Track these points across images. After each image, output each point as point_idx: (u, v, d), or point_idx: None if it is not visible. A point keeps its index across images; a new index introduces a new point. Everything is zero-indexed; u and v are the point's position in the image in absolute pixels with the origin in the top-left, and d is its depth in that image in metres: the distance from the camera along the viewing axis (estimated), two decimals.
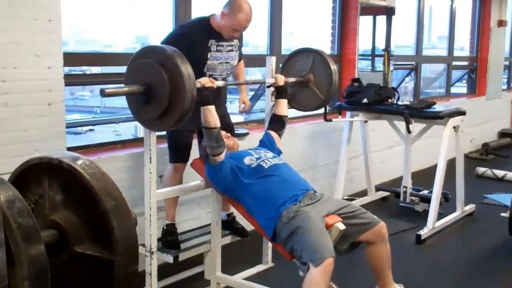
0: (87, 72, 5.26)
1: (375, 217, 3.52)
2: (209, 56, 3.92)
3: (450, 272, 4.57)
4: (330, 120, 5.58)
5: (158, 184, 3.74)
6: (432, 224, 5.26)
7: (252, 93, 6.14)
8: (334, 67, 4.24)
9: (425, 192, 5.95)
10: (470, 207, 5.96)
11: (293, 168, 3.73)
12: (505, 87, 10.98)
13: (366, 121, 6.01)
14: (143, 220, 3.57)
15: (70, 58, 4.01)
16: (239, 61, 4.20)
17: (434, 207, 5.32)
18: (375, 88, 5.73)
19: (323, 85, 4.26)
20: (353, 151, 6.25)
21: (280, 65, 4.58)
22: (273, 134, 3.99)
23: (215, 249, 4.07)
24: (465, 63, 9.92)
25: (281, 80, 4.07)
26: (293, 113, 4.99)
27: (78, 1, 4.87)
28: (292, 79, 4.22)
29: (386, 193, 6.46)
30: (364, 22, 6.78)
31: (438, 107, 5.70)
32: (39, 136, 3.69)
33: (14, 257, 2.15)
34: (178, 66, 3.09)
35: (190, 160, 4.08)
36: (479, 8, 9.62)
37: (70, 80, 4.29)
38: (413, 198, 5.99)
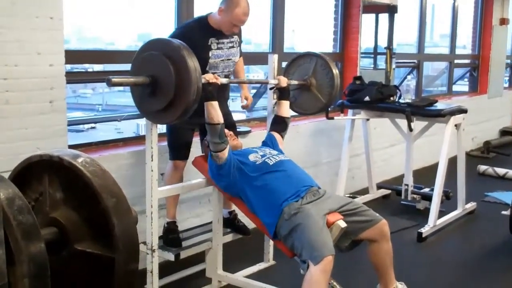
0: (89, 70, 5.26)
1: (377, 214, 3.52)
2: (210, 54, 3.92)
3: (451, 270, 4.57)
4: (332, 118, 5.58)
5: (160, 182, 3.74)
6: (433, 222, 5.26)
7: (254, 90, 6.14)
8: (336, 71, 4.24)
9: (426, 190, 5.94)
10: (471, 205, 5.96)
11: (298, 165, 3.73)
12: (507, 85, 10.98)
13: (368, 119, 6.00)
14: (145, 218, 3.57)
15: (72, 56, 4.01)
16: (239, 57, 4.20)
17: (435, 205, 5.32)
18: (377, 86, 5.72)
19: (325, 89, 4.26)
20: (355, 149, 6.25)
21: (284, 64, 4.58)
22: (276, 135, 3.99)
23: (216, 247, 4.08)
24: (467, 61, 9.91)
25: (284, 81, 4.08)
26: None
27: None
28: (294, 82, 4.24)
29: (387, 191, 6.46)
30: (367, 20, 6.77)
31: (440, 105, 5.69)
32: (41, 134, 3.69)
33: (14, 254, 2.16)
34: (185, 58, 3.08)
35: (192, 158, 4.08)
36: (481, 6, 9.61)
37: (72, 78, 4.29)
38: (415, 196, 5.99)
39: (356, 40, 6.65)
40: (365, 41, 6.83)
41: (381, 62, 7.13)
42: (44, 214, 2.64)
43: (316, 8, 7.32)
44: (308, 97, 4.33)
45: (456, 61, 9.39)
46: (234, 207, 4.22)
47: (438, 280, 4.33)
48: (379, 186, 6.46)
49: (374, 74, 6.80)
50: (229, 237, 4.25)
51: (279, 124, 4.06)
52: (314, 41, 7.65)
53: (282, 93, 4.10)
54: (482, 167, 7.65)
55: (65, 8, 3.76)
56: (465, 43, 10.16)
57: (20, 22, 3.52)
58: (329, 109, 5.44)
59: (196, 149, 4.24)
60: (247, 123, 5.56)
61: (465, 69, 9.96)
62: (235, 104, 5.18)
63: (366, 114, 5.83)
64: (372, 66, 7.31)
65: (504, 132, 10.15)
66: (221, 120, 3.51)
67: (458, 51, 9.52)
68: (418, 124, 5.78)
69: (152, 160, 3.46)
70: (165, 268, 4.04)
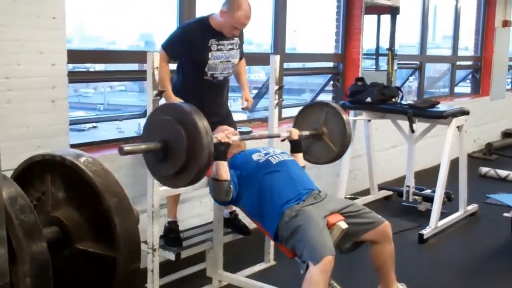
0: (91, 70, 5.27)
1: (379, 216, 3.52)
2: (210, 55, 3.92)
3: (453, 271, 4.57)
4: None
5: None
6: (435, 224, 5.26)
7: (255, 91, 6.14)
8: (346, 117, 4.12)
9: (428, 191, 5.94)
10: (473, 207, 5.96)
11: (300, 166, 3.73)
12: (509, 87, 10.96)
13: (369, 120, 6.00)
14: (146, 218, 3.57)
15: (74, 55, 4.01)
16: (240, 59, 4.20)
17: (437, 207, 5.32)
18: (379, 87, 5.72)
19: (337, 137, 4.16)
20: (357, 150, 6.25)
21: (285, 64, 4.55)
22: None
23: (217, 246, 4.08)
24: (469, 63, 9.91)
25: (295, 134, 3.99)
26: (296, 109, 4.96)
27: None
28: (306, 133, 4.12)
29: (389, 192, 6.46)
30: (369, 21, 6.77)
31: (442, 106, 5.70)
32: (43, 133, 3.69)
33: (16, 253, 2.16)
34: (196, 123, 3.02)
35: None
36: (484, 8, 9.60)
37: (74, 77, 4.29)
38: (416, 197, 5.99)
39: (358, 41, 6.64)
40: (367, 42, 6.83)
41: (383, 63, 7.12)
42: (46, 214, 2.63)
43: (318, 8, 7.32)
44: (320, 146, 4.20)
45: (458, 62, 9.38)
46: (234, 207, 4.22)
47: (439, 282, 4.33)
48: (381, 187, 6.46)
49: (376, 76, 6.79)
50: (230, 237, 4.26)
51: None
52: (315, 42, 7.65)
53: (294, 146, 4.00)
54: (484, 169, 7.64)
55: (67, 7, 3.76)
56: (467, 45, 10.16)
57: (22, 21, 3.53)
58: None
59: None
60: (248, 123, 5.56)
61: (467, 70, 9.94)
62: (236, 105, 5.17)
63: (368, 115, 5.83)
64: (374, 67, 7.30)
65: (506, 134, 10.14)
66: (229, 178, 3.48)
67: (460, 53, 9.51)
68: (420, 126, 5.78)
69: None
70: (166, 268, 4.05)
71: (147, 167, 3.31)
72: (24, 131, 3.61)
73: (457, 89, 9.57)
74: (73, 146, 3.96)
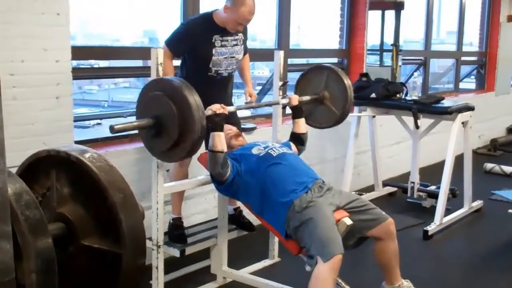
0: (95, 66, 5.26)
1: (383, 213, 3.50)
2: (214, 51, 3.91)
3: (457, 268, 4.57)
4: None
5: (166, 178, 3.74)
6: (440, 220, 5.25)
7: (259, 87, 6.13)
8: (348, 82, 4.19)
9: (432, 187, 5.93)
10: (477, 203, 5.94)
11: (301, 158, 3.72)
12: None
13: (374, 116, 5.99)
14: (150, 214, 3.57)
15: (78, 52, 4.01)
16: (244, 54, 4.19)
17: (441, 203, 5.30)
18: (383, 83, 5.71)
19: (339, 101, 4.20)
20: (361, 146, 6.24)
21: (289, 60, 4.55)
22: (293, 146, 3.97)
23: (221, 243, 4.08)
24: (474, 58, 9.87)
25: (295, 100, 4.01)
26: None
27: None
28: (307, 98, 4.15)
29: (393, 189, 6.45)
30: (373, 17, 6.76)
31: (447, 102, 5.68)
32: (47, 129, 3.69)
33: (22, 250, 2.17)
34: (186, 98, 3.04)
35: (197, 154, 4.07)
36: (489, 3, 9.56)
37: (78, 74, 4.30)
38: (421, 193, 5.98)
39: (362, 37, 6.63)
40: (372, 38, 6.82)
41: (388, 59, 7.11)
42: (52, 210, 2.64)
43: (322, 4, 7.31)
44: (322, 110, 4.26)
45: (463, 58, 9.35)
46: (239, 204, 4.22)
47: (444, 278, 4.32)
48: (385, 184, 6.45)
49: (380, 71, 6.78)
50: (234, 234, 4.26)
51: (296, 140, 4.02)
52: (320, 37, 7.64)
53: (295, 112, 4.03)
54: (489, 165, 7.62)
55: (71, 4, 3.76)
56: (472, 40, 10.12)
57: (26, 18, 3.53)
58: None
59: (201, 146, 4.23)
60: (252, 119, 5.55)
61: (472, 66, 9.92)
62: (240, 101, 5.17)
63: (372, 111, 5.82)
64: (378, 63, 7.29)
65: (511, 130, 10.10)
66: (225, 149, 3.45)
67: (465, 48, 9.48)
68: (424, 122, 5.76)
69: None
70: (170, 264, 4.05)
71: (143, 143, 3.34)
72: (29, 128, 3.61)
73: (461, 85, 9.54)
74: (77, 142, 3.96)
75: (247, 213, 4.05)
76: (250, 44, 4.43)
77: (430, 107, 5.49)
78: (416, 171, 6.00)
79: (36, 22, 3.58)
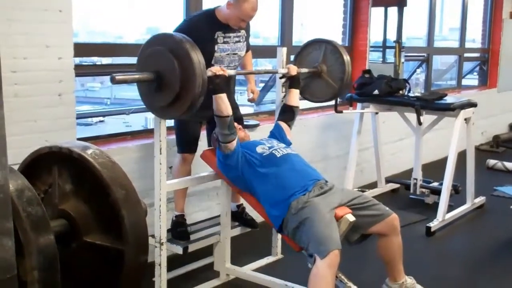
0: (98, 63, 5.26)
1: (387, 208, 3.50)
2: (216, 48, 3.90)
3: (460, 264, 4.56)
4: (341, 112, 5.56)
5: (168, 175, 3.74)
6: (442, 216, 5.25)
7: (262, 84, 6.13)
8: (346, 56, 4.22)
9: (435, 184, 5.93)
10: (480, 200, 5.94)
11: (304, 159, 3.72)
12: None
13: (376, 113, 5.98)
14: (153, 211, 3.57)
15: (81, 49, 4.01)
16: (246, 51, 4.18)
17: (444, 199, 5.30)
18: (386, 80, 5.70)
19: (337, 75, 4.23)
20: (364, 143, 6.24)
21: (292, 57, 4.56)
22: (283, 125, 3.97)
23: (224, 240, 4.08)
24: (476, 54, 9.86)
25: (294, 70, 4.04)
26: (304, 104, 4.97)
27: None
28: (305, 70, 4.20)
29: (396, 185, 6.44)
30: (376, 14, 6.75)
31: (449, 99, 5.67)
32: (50, 126, 3.69)
33: (24, 246, 2.16)
34: (188, 52, 3.08)
35: (200, 151, 4.08)
36: (491, 0, 9.55)
37: (81, 71, 4.29)
38: (423, 190, 5.97)
39: (365, 34, 6.62)
40: (374, 35, 6.82)
41: (390, 55, 7.10)
42: (54, 206, 2.64)
43: (325, 1, 7.30)
44: (320, 84, 4.30)
45: (465, 54, 9.33)
46: (242, 201, 4.22)
47: (447, 274, 4.32)
48: (388, 180, 6.44)
49: (383, 68, 6.77)
50: (237, 231, 4.25)
51: (287, 113, 4.02)
52: (322, 34, 7.62)
53: (292, 81, 4.05)
54: (491, 161, 7.61)
55: (74, 1, 3.76)
56: (474, 37, 10.11)
57: (29, 15, 3.52)
58: (338, 102, 5.43)
59: (204, 143, 4.24)
60: (255, 116, 5.55)
61: (475, 62, 9.90)
62: (243, 98, 5.17)
63: (375, 107, 5.81)
64: (381, 59, 7.29)
65: None
66: (230, 112, 3.49)
67: (467, 45, 9.47)
68: (427, 118, 5.76)
69: (160, 154, 3.46)
70: (173, 261, 4.05)
71: (141, 99, 3.35)
72: (32, 125, 3.61)
73: (464, 81, 9.52)
74: (80, 139, 3.95)
75: (250, 210, 4.04)
76: (253, 41, 4.42)
77: (432, 103, 5.48)
78: (419, 168, 6.00)
79: (39, 19, 3.58)
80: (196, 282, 4.03)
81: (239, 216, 4.30)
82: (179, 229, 4.05)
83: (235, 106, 4.23)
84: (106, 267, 2.63)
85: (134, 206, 2.60)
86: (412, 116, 5.67)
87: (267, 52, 5.50)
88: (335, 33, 6.74)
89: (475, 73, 10.16)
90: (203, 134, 4.26)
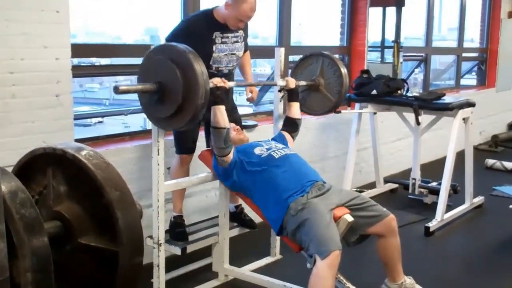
0: (96, 64, 5.26)
1: (385, 209, 3.51)
2: (214, 48, 3.90)
3: (459, 264, 4.56)
4: (339, 112, 5.53)
5: (166, 176, 3.73)
6: (441, 216, 5.24)
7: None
8: (344, 70, 4.23)
9: (434, 184, 5.92)
10: (479, 199, 5.93)
11: (303, 159, 3.72)
12: None
13: (375, 113, 5.98)
14: (151, 212, 3.57)
15: (79, 50, 4.01)
16: (245, 51, 4.18)
17: (442, 199, 5.29)
18: (385, 80, 5.70)
19: (334, 88, 4.25)
20: (362, 143, 6.24)
21: (291, 58, 4.56)
22: (286, 135, 3.98)
23: (223, 241, 4.07)
24: (475, 54, 9.86)
25: (292, 83, 4.05)
26: None
27: None
28: (303, 83, 4.22)
29: (394, 185, 6.44)
30: (374, 14, 6.75)
31: (448, 98, 5.66)
32: (47, 127, 3.69)
33: (17, 248, 2.15)
34: (191, 62, 3.07)
35: (198, 152, 4.07)
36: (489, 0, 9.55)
37: (79, 72, 4.29)
38: (422, 190, 5.96)
39: (363, 34, 6.63)
40: (373, 35, 6.81)
41: (389, 55, 7.10)
42: (48, 208, 2.63)
43: (323, 1, 7.30)
44: (317, 97, 4.33)
45: (464, 54, 9.33)
46: (240, 201, 4.21)
47: (446, 274, 4.31)
48: (386, 180, 6.44)
49: (381, 68, 6.77)
50: (236, 231, 4.25)
51: (290, 126, 4.04)
52: (321, 34, 7.63)
53: (291, 94, 4.07)
54: (490, 161, 7.61)
55: (72, 2, 3.76)
56: (473, 37, 10.11)
57: (26, 16, 3.52)
58: None
59: (202, 143, 4.23)
60: (253, 117, 5.55)
61: (473, 62, 9.90)
62: (241, 99, 5.16)
63: (373, 107, 5.80)
64: (380, 59, 7.29)
65: None
66: (227, 125, 3.49)
67: (466, 45, 9.46)
68: (425, 118, 5.76)
69: (158, 154, 3.46)
70: (172, 262, 4.05)
71: (142, 109, 3.34)
72: (29, 126, 3.61)
73: (463, 81, 9.53)
74: (78, 141, 3.95)
75: (249, 211, 4.04)
76: (252, 42, 4.42)
77: (431, 103, 5.47)
78: (417, 168, 5.99)
79: (36, 19, 3.57)
80: (195, 283, 4.02)
81: (237, 216, 4.30)
82: (178, 230, 4.04)
83: (233, 107, 4.23)
84: (101, 269, 2.62)
85: (128, 207, 2.59)
86: (410, 116, 5.67)
87: (265, 52, 5.50)
88: (333, 33, 6.74)
89: (473, 73, 10.17)
90: (201, 134, 4.25)
